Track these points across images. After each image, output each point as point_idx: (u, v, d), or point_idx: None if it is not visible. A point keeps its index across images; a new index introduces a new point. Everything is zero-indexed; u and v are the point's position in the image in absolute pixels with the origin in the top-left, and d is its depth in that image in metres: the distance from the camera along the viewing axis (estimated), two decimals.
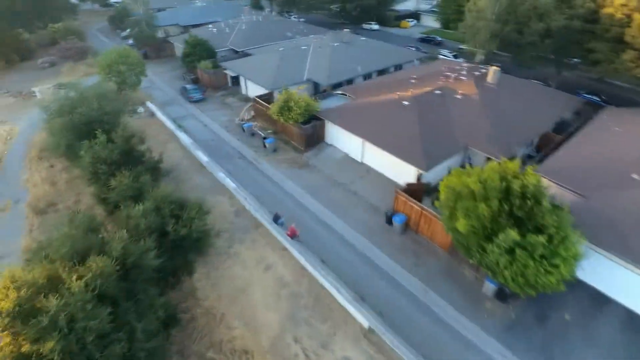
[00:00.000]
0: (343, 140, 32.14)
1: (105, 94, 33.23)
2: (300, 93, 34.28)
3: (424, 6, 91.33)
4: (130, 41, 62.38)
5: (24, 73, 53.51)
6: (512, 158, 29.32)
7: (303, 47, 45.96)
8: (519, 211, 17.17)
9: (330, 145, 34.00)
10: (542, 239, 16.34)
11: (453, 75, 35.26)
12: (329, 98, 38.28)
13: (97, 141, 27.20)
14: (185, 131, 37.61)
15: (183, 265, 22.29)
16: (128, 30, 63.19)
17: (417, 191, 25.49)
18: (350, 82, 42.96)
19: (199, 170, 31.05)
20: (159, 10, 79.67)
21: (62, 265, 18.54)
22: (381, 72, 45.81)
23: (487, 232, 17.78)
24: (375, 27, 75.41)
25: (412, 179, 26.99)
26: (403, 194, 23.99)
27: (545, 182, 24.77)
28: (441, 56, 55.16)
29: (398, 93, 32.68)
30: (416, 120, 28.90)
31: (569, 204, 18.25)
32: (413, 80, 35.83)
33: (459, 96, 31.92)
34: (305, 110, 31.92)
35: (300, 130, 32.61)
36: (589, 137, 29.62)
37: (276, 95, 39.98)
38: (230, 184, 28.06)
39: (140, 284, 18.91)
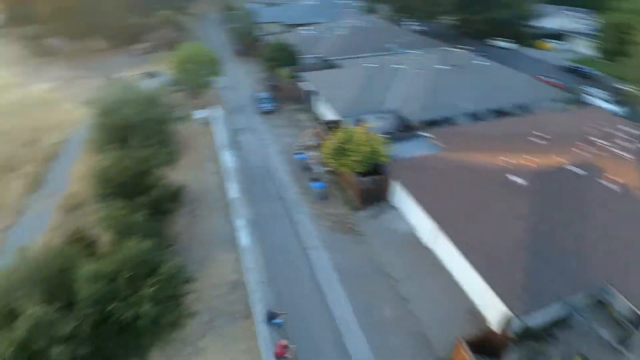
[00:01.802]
0: (412, 208, 23.09)
1: (152, 97, 29.51)
2: (372, 130, 26.09)
3: (575, 26, 72.93)
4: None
5: (125, 56, 54.92)
6: None
7: (398, 66, 37.14)
8: None
9: (395, 209, 25.16)
10: None
11: (605, 143, 23.15)
12: (412, 140, 29.09)
13: (109, 157, 23.19)
14: (237, 149, 32.33)
15: (133, 349, 16.51)
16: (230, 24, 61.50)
17: (495, 344, 15.61)
18: (448, 121, 32.90)
19: (223, 207, 25.24)
20: (270, 5, 77.56)
21: None
22: (497, 113, 34.49)
23: None
24: (506, 45, 61.73)
25: (495, 319, 16.93)
26: (467, 350, 14.45)
27: None
28: (590, 98, 40.77)
29: (509, 158, 22.21)
30: (527, 214, 18.48)
31: None
32: (537, 140, 24.64)
33: (611, 185, 20.15)
34: (367, 157, 23.67)
35: (356, 182, 24.52)
36: None
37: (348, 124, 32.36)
38: (244, 239, 21.52)
39: None
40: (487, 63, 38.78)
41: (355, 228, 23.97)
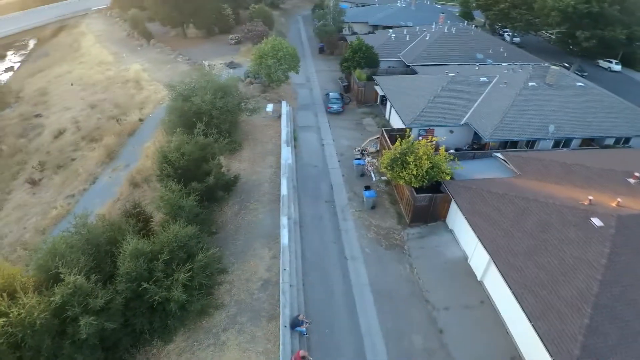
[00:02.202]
0: (467, 235, 21.04)
1: (226, 87, 30.76)
2: (438, 144, 24.42)
3: None
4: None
5: (215, 45, 58.42)
6: None
7: (482, 79, 34.29)
8: None
9: (449, 231, 23.20)
10: None
11: None
12: (482, 160, 26.62)
13: (172, 140, 24.54)
14: (298, 146, 32.60)
15: (159, 329, 17.22)
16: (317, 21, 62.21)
17: None
18: (530, 145, 29.60)
19: (272, 202, 25.34)
20: (363, 5, 77.29)
21: (23, 280, 16.03)
22: (589, 143, 30.24)
23: None
24: (617, 67, 54.17)
25: None
26: None
27: None
28: None
29: (592, 196, 19.15)
30: (602, 264, 15.70)
31: None
32: (632, 180, 20.94)
33: None
34: (427, 173, 22.03)
35: (411, 197, 23.00)
36: None
37: (415, 135, 30.73)
38: (284, 238, 21.35)
39: (71, 347, 14.53)
40: (587, 85, 34.12)
41: (401, 245, 22.58)
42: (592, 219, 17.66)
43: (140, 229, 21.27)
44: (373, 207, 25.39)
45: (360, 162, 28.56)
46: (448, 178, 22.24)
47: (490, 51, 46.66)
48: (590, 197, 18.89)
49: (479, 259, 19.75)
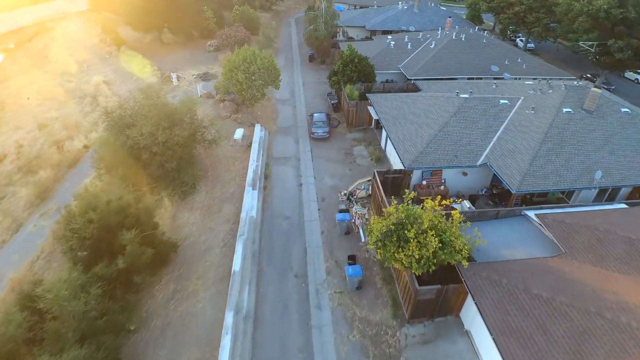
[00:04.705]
0: (493, 347, 14.10)
1: (174, 113, 24.00)
2: (451, 207, 17.55)
3: None
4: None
5: (192, 52, 51.66)
6: None
7: (503, 102, 27.37)
8: None
9: (464, 333, 16.31)
10: None
11: None
12: (509, 221, 19.62)
13: (80, 199, 17.83)
14: (267, 187, 25.87)
15: None
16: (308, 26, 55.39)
17: None
18: (570, 197, 22.70)
19: (219, 280, 18.50)
20: (361, 7, 70.97)
21: None
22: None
23: None
24: None
25: None
26: None
27: None
28: None
29: None
30: None
31: None
32: None
33: None
34: (434, 255, 15.11)
35: (411, 287, 16.12)
36: None
37: (417, 177, 23.91)
38: (224, 352, 14.50)
39: None
40: (633, 111, 27.13)
41: (396, 355, 15.71)
42: None
43: (29, 329, 14.69)
44: (359, 288, 18.55)
45: (345, 218, 21.63)
46: (465, 264, 15.28)
47: (507, 62, 39.72)
48: None
49: None
